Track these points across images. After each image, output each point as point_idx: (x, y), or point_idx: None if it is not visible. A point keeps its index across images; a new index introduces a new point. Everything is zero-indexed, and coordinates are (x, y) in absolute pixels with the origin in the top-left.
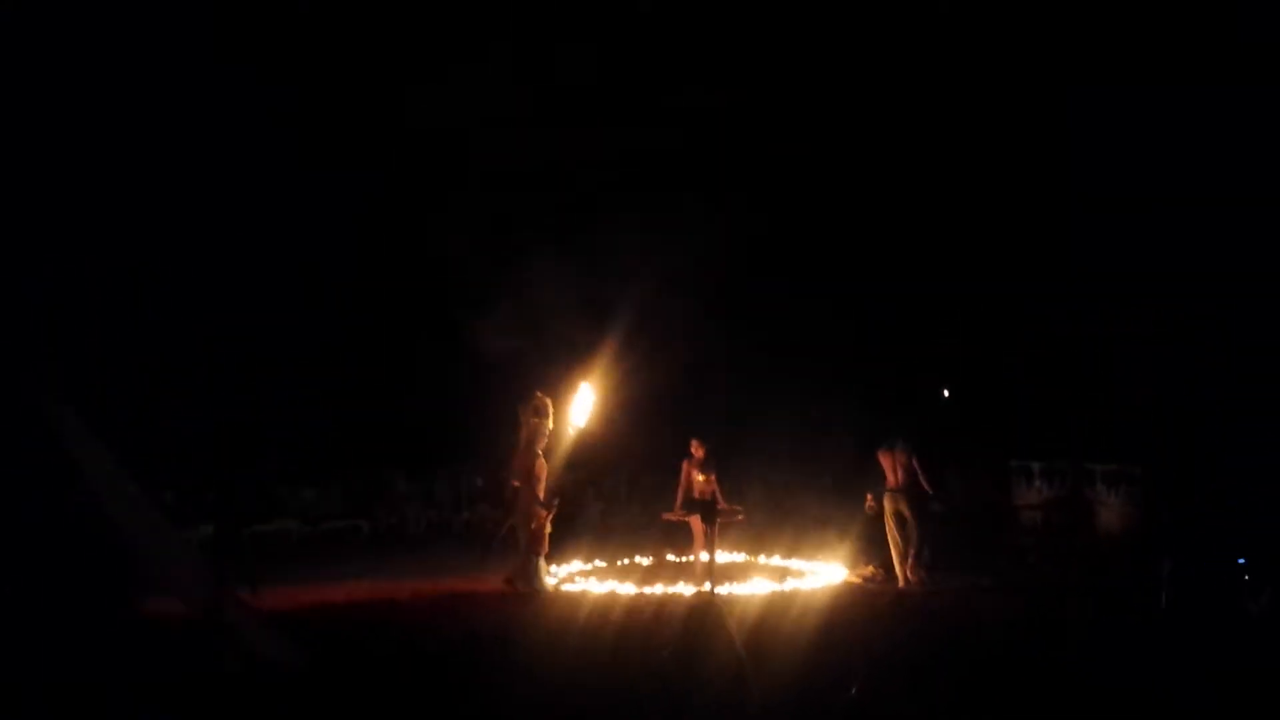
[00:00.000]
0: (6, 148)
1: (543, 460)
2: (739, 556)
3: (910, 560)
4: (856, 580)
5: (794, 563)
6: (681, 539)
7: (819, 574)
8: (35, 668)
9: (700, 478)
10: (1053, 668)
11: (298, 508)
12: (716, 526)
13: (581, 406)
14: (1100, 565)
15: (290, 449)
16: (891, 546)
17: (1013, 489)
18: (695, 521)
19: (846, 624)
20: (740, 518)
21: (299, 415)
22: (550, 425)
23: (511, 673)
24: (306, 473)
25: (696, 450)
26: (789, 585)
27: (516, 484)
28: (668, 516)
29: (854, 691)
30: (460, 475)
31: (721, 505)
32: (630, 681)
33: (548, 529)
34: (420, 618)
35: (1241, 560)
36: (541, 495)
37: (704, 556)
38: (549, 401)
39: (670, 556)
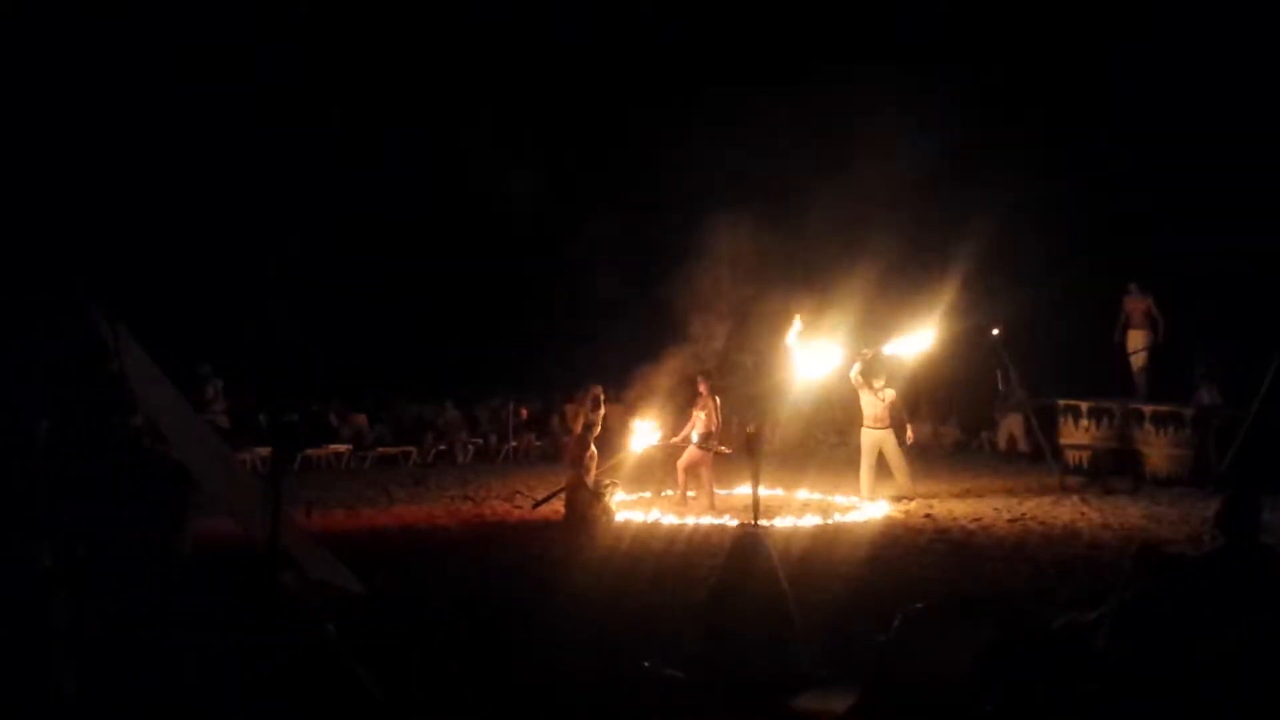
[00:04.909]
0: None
1: (593, 450)
2: (777, 491)
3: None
4: (899, 515)
5: (837, 498)
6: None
7: (863, 508)
8: (95, 592)
9: (704, 415)
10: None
11: (349, 435)
12: (760, 458)
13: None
14: (1146, 506)
15: (343, 378)
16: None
17: (1060, 428)
18: (694, 456)
19: (890, 558)
20: (728, 451)
21: (353, 345)
22: (603, 415)
23: (555, 600)
24: (358, 401)
25: (703, 387)
26: (834, 519)
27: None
28: (721, 450)
29: (895, 626)
30: (506, 406)
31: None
32: (671, 611)
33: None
34: (467, 544)
35: None
36: (590, 483)
37: (691, 493)
38: (602, 395)
39: (719, 491)
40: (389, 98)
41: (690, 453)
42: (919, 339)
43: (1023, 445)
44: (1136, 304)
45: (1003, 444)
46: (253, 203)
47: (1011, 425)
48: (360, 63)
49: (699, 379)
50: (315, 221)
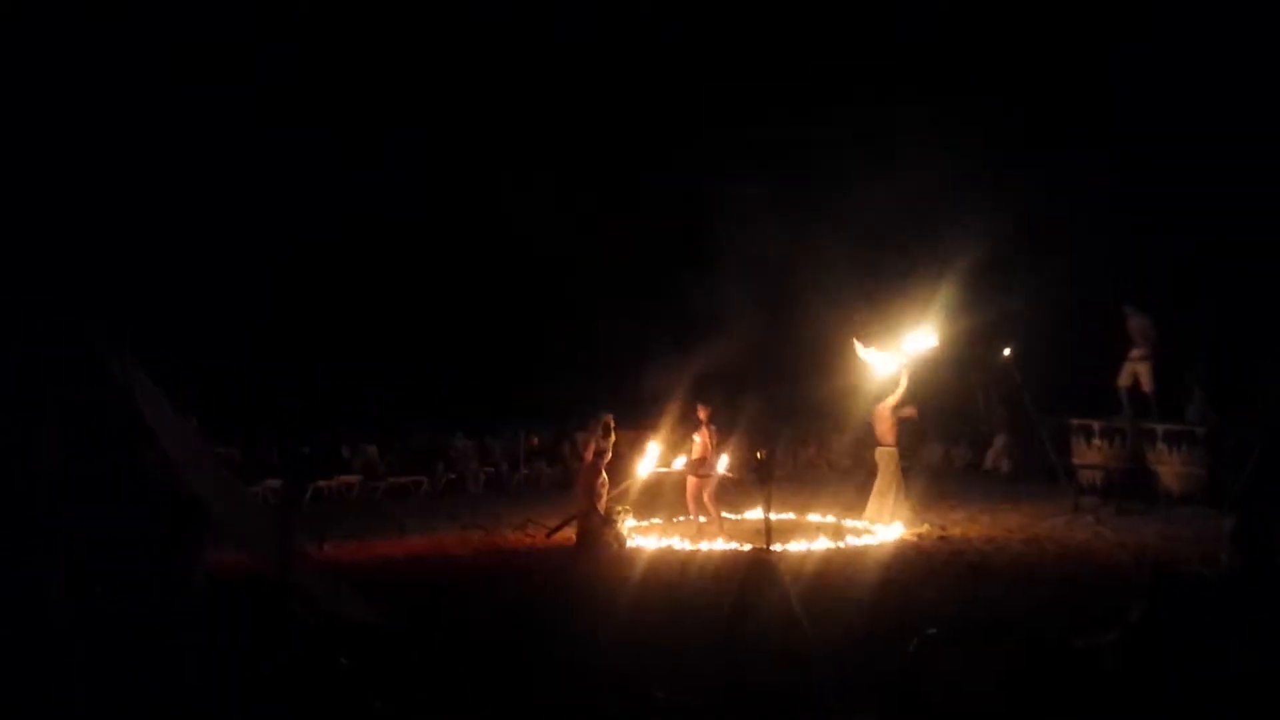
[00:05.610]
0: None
1: (605, 477)
2: (788, 515)
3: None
4: (913, 538)
5: (849, 521)
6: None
7: (877, 532)
8: (108, 625)
9: (700, 441)
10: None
11: (360, 465)
12: (771, 484)
13: (649, 460)
14: (1161, 525)
15: (353, 407)
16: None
17: (1073, 448)
18: (694, 483)
19: (904, 581)
20: (732, 475)
21: (362, 375)
22: (613, 442)
23: (567, 628)
24: (368, 431)
25: (702, 414)
26: (847, 542)
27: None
28: (730, 475)
29: (912, 650)
30: (517, 434)
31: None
32: (687, 636)
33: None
34: (480, 573)
35: None
36: (602, 510)
37: (702, 519)
38: (613, 422)
39: (726, 514)
40: (389, 98)
41: (690, 480)
42: (923, 338)
43: (1003, 464)
44: (1134, 322)
45: (1004, 465)
46: (252, 203)
47: (997, 445)
48: (360, 63)
49: (698, 406)
50: (315, 222)
